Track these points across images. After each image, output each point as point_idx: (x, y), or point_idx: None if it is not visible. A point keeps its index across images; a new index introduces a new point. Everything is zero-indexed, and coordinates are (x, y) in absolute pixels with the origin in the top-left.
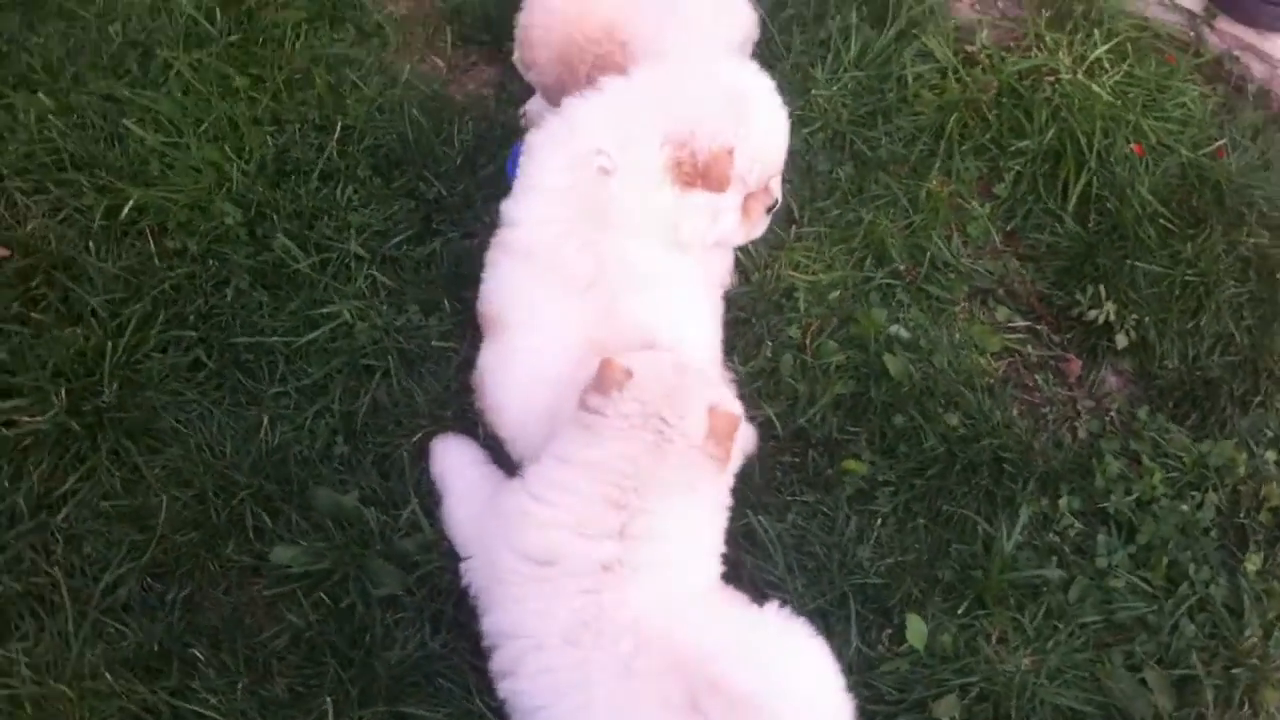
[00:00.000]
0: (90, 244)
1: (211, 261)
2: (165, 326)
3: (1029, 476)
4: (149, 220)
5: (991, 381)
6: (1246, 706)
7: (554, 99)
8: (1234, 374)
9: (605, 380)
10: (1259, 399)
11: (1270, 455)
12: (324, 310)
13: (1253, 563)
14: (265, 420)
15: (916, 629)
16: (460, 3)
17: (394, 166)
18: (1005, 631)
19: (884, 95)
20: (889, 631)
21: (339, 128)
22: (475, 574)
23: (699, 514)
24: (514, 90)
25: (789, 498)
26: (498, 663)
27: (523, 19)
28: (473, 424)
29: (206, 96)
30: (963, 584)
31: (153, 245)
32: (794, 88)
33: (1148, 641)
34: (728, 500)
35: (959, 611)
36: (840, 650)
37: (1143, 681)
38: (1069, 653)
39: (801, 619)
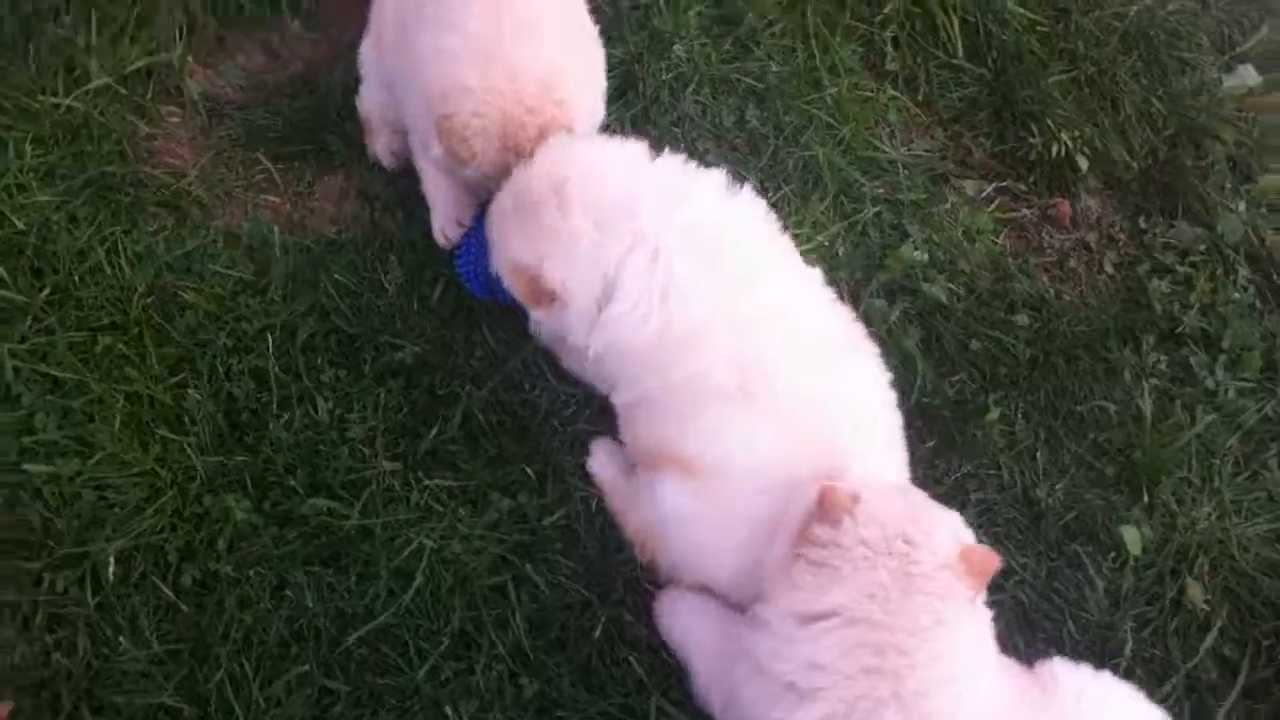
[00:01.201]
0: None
1: (250, 575)
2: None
3: (1108, 337)
4: (142, 567)
5: (1014, 260)
6: None
7: (487, 183)
8: (1175, 145)
9: (833, 508)
10: (1209, 160)
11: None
12: (405, 551)
13: None
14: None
15: (1131, 537)
16: (252, 121)
17: (349, 350)
18: (1180, 493)
19: (735, 22)
20: (1111, 554)
21: (262, 337)
22: None
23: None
24: (379, 191)
25: (954, 478)
26: None
27: (444, 112)
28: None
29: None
30: (1130, 472)
31: (170, 590)
32: (653, 50)
33: None
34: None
35: (1145, 501)
36: (1086, 591)
37: None
38: (1236, 479)
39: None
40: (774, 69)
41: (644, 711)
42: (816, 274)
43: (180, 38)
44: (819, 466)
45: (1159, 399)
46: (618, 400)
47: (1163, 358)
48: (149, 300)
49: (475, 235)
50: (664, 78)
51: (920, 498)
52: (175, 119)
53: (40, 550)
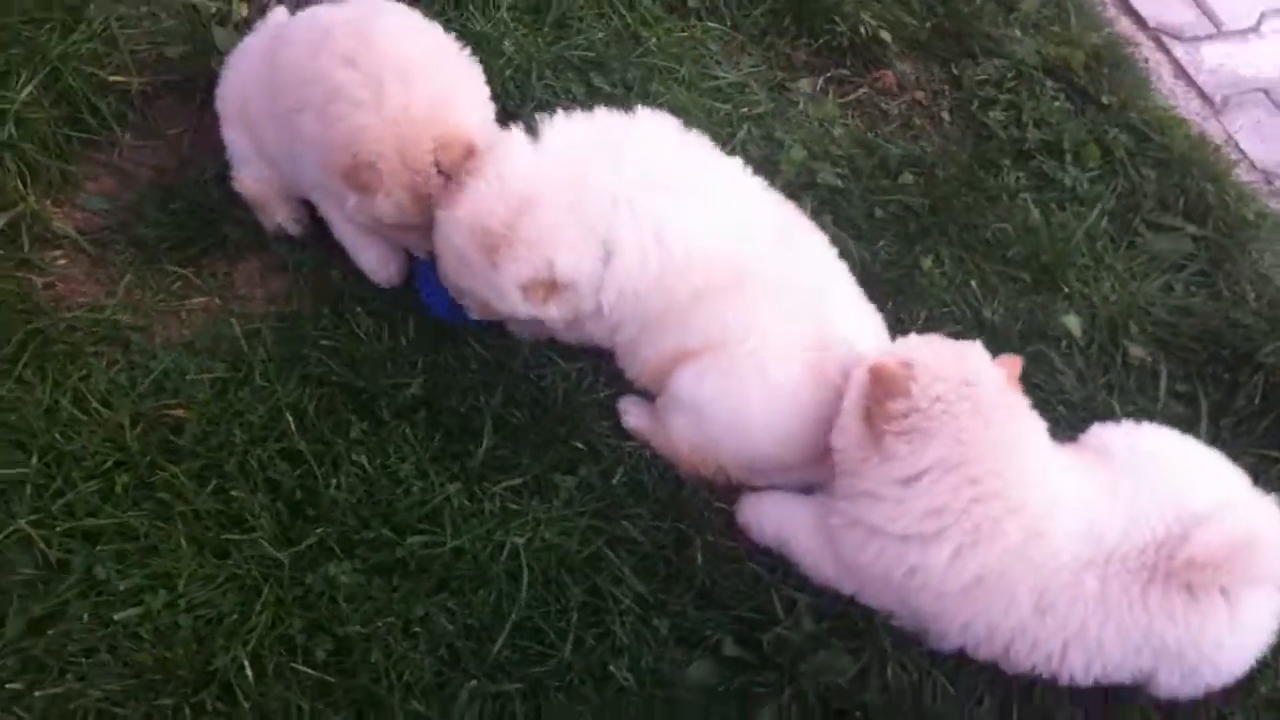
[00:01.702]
0: None
1: (378, 626)
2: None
3: (975, 171)
4: (273, 661)
5: (872, 134)
6: None
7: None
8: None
9: (896, 382)
10: (978, 2)
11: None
12: (503, 554)
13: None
14: None
15: (1073, 324)
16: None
17: (360, 404)
18: (1085, 278)
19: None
20: (1063, 343)
21: (274, 422)
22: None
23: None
24: (299, 259)
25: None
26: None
27: (347, 156)
28: None
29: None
30: (1043, 274)
31: (310, 669)
32: (485, 51)
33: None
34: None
35: (1065, 292)
36: (1059, 378)
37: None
38: (1119, 252)
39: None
40: (598, 36)
41: (770, 608)
42: (738, 162)
43: (26, 186)
44: (809, 330)
45: (1040, 208)
46: (622, 338)
47: (1021, 174)
48: (139, 431)
49: (424, 266)
50: (506, 74)
51: (942, 341)
52: (63, 261)
53: (167, 686)
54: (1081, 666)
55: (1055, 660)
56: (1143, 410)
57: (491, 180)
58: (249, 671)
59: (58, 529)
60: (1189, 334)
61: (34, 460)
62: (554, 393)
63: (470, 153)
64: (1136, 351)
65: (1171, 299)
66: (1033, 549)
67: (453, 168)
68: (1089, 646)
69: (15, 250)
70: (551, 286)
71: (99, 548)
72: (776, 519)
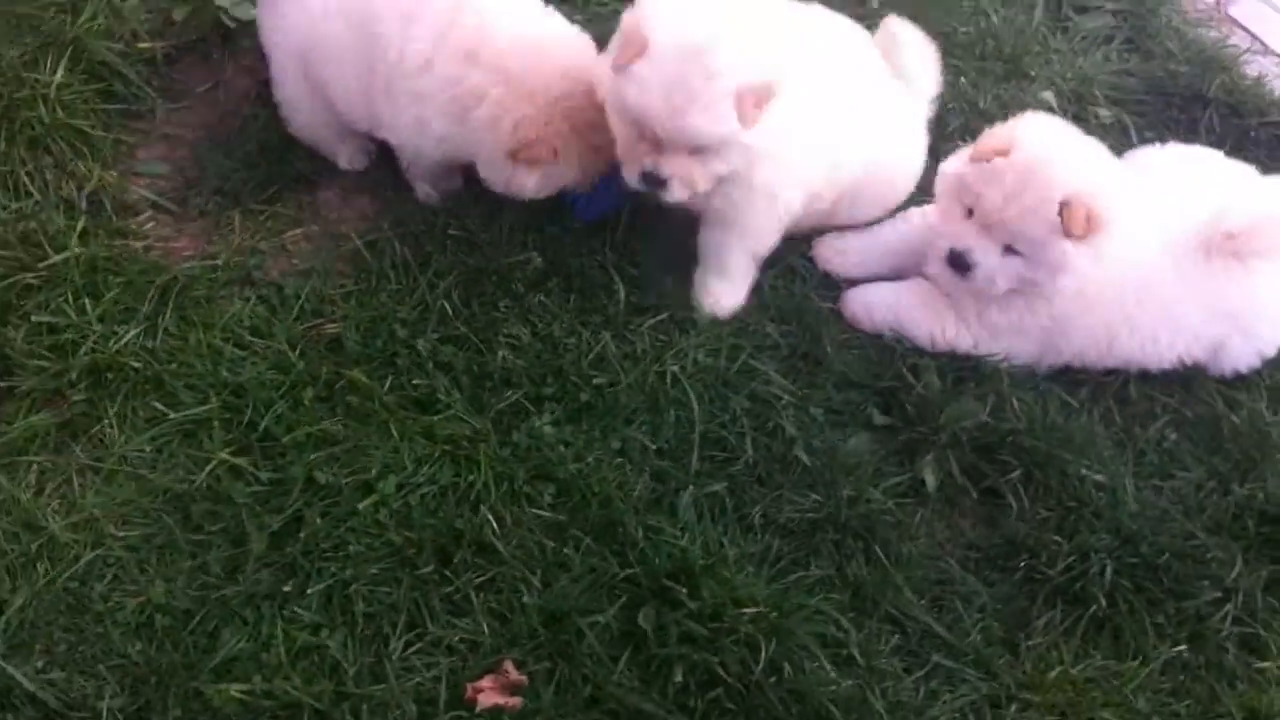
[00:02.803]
0: None
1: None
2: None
3: None
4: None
5: None
6: None
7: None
8: None
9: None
10: None
11: None
12: (667, 382)
13: None
14: None
15: (1049, 97)
16: (218, 189)
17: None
18: (1045, 55)
19: None
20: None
21: (424, 316)
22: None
23: None
24: (381, 179)
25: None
26: None
27: (515, 120)
28: None
29: None
30: (1010, 65)
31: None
32: None
33: None
34: None
35: (1031, 74)
36: None
37: None
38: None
39: None
40: None
41: (901, 377)
42: None
43: (90, 161)
44: None
45: (993, 8)
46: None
47: None
48: (300, 352)
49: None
50: None
51: None
52: (151, 224)
53: (421, 555)
54: (1168, 344)
55: (1148, 343)
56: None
57: None
58: (493, 523)
59: (263, 452)
60: (1140, 91)
61: (213, 399)
62: (658, 244)
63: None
64: (1104, 112)
65: (1113, 66)
66: (1128, 252)
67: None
68: (1174, 321)
69: (105, 221)
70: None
71: (310, 457)
72: (887, 303)
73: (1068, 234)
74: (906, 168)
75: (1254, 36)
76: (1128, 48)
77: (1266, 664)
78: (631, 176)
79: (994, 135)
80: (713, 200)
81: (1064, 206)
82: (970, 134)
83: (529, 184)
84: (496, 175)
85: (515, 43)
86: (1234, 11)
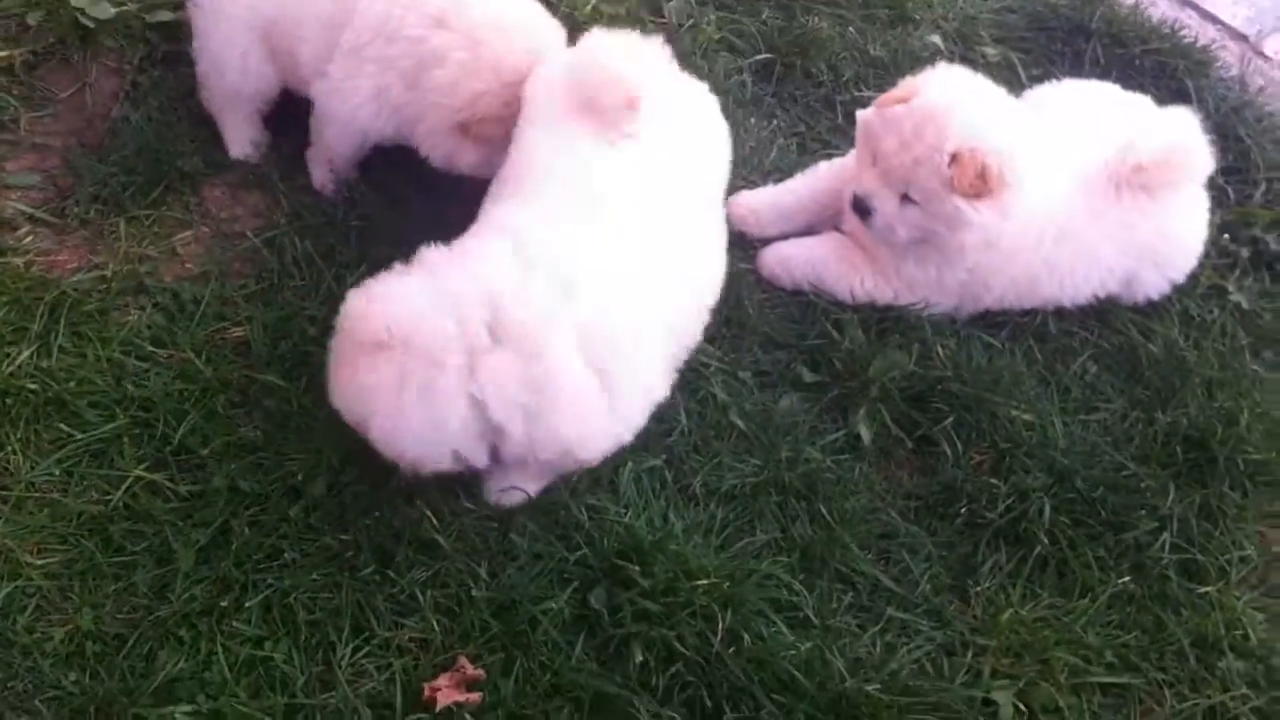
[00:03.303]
0: None
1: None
2: None
3: None
4: None
5: None
6: None
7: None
8: None
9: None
10: None
11: None
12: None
13: None
14: None
15: (936, 40)
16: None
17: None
18: None
19: None
20: None
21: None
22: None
23: None
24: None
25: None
26: None
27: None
28: None
29: None
30: (894, 8)
31: None
32: None
33: None
34: None
35: (917, 19)
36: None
37: None
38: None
39: None
40: None
41: (826, 333)
42: None
43: None
44: None
45: None
46: None
47: None
48: (206, 359)
49: None
50: None
51: None
52: (30, 239)
53: (358, 558)
54: (1084, 280)
55: (1067, 282)
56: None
57: None
58: (431, 518)
59: (180, 465)
60: (1022, 27)
61: (120, 415)
62: None
63: None
64: (990, 51)
65: (995, 4)
66: (1041, 198)
67: None
68: (1090, 257)
69: None
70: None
71: (231, 466)
72: (803, 258)
73: (956, 189)
74: None
75: None
76: None
77: (1207, 589)
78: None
79: (905, 83)
80: None
81: (954, 160)
82: (863, 82)
83: (470, 160)
84: (438, 146)
85: (489, 16)
86: None
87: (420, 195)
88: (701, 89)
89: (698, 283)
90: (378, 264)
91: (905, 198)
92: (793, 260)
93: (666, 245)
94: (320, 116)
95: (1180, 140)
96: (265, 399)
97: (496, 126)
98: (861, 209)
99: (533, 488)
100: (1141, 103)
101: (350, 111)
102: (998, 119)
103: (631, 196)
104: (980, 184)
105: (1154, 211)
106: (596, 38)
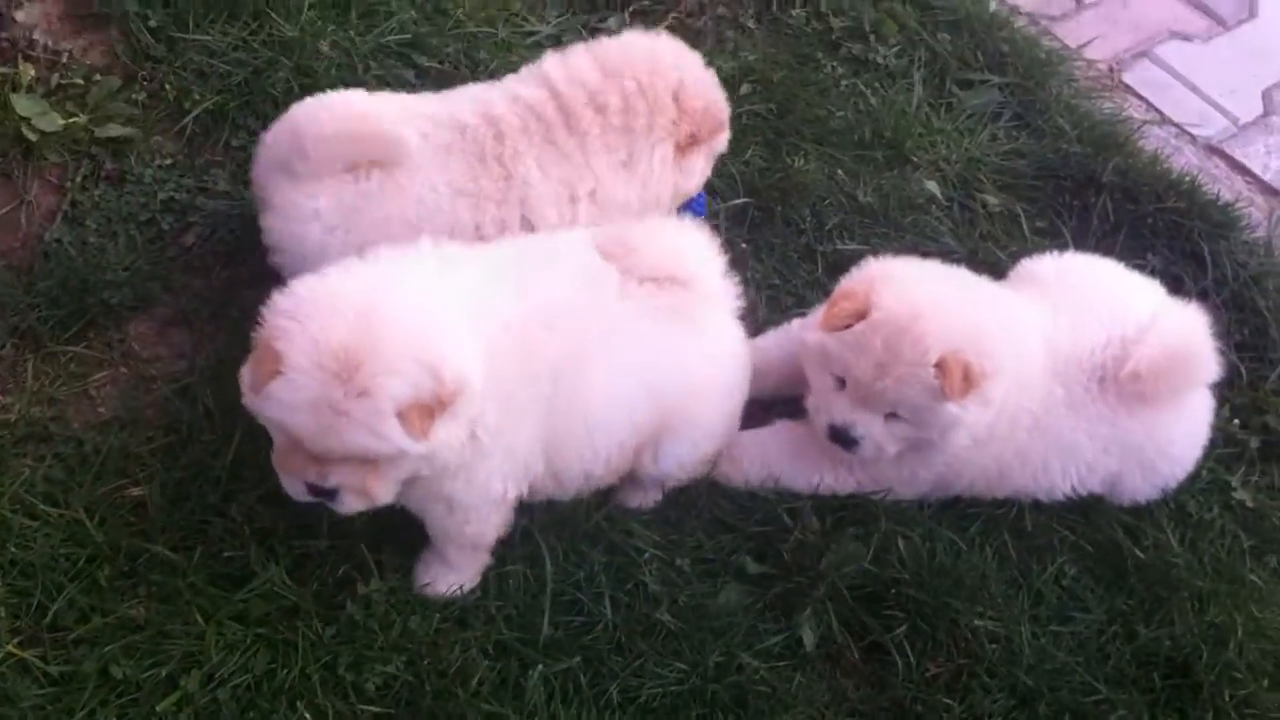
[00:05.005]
0: None
1: None
2: None
3: (804, 67)
4: None
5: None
6: None
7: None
8: None
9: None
10: None
11: None
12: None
13: None
14: None
15: (933, 187)
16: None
17: None
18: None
19: None
20: (929, 202)
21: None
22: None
23: None
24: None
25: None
26: None
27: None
28: None
29: None
30: (892, 150)
31: None
32: (297, 55)
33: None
34: None
35: (913, 161)
36: (941, 239)
37: None
38: (945, 113)
39: None
40: (409, 17)
41: (777, 519)
42: None
43: None
44: None
45: (870, 89)
46: None
47: (836, 63)
48: (99, 520)
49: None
50: (332, 73)
51: None
52: None
53: None
54: (1061, 474)
55: (1040, 474)
56: (1017, 250)
57: None
58: None
59: (54, 643)
60: (1030, 174)
61: None
62: None
63: None
64: (992, 200)
65: (1001, 146)
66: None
67: None
68: (1066, 451)
69: None
70: None
71: (105, 649)
72: (755, 456)
73: (948, 396)
74: None
75: (1150, 105)
76: (1016, 124)
77: None
78: None
79: (848, 295)
80: None
81: (939, 368)
82: (847, 232)
83: None
84: None
85: None
86: (1129, 79)
87: None
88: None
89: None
90: None
91: (891, 415)
92: (743, 457)
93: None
94: None
95: (1183, 349)
96: (153, 573)
97: None
98: (844, 439)
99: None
100: (1147, 290)
101: None
102: (965, 310)
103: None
104: (966, 385)
105: (1144, 415)
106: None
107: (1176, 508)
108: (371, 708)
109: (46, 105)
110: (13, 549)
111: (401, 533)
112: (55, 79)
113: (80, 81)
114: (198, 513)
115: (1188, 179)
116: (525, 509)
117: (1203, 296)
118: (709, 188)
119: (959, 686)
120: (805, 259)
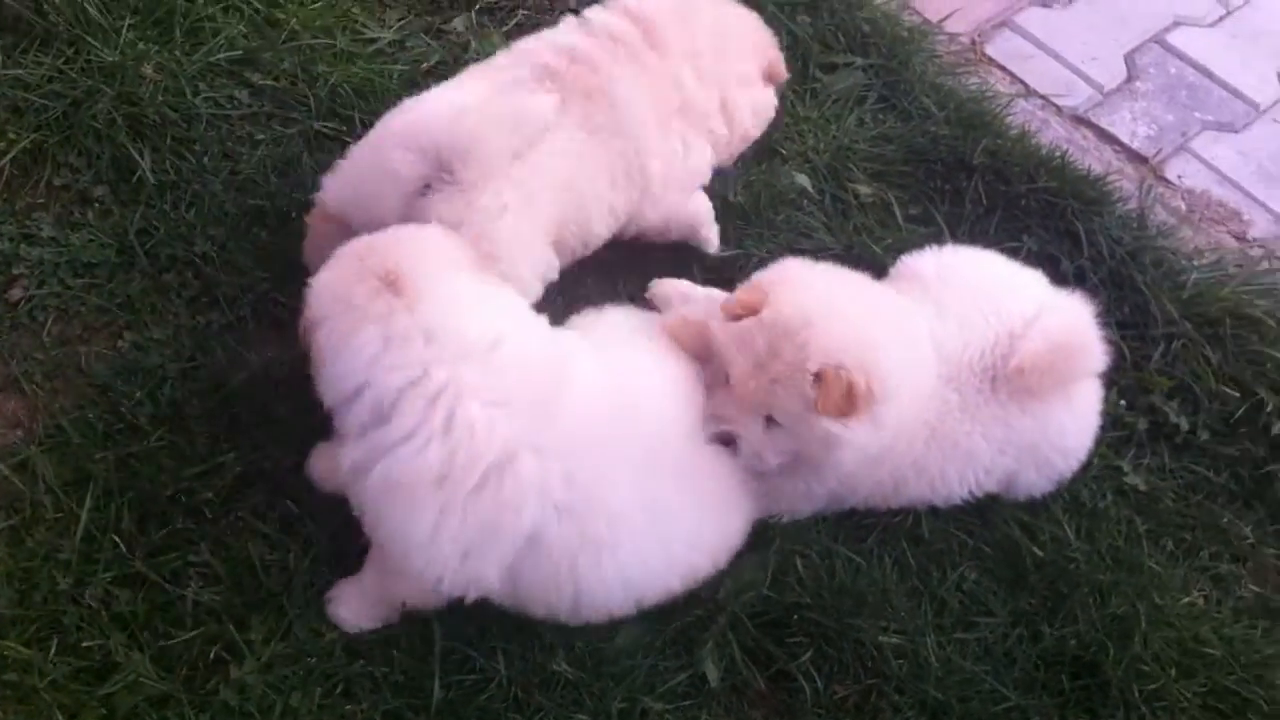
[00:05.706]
0: None
1: None
2: None
3: None
4: None
5: None
6: None
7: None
8: None
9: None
10: None
11: None
12: None
13: None
14: None
15: (802, 180)
16: None
17: None
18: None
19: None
20: (800, 197)
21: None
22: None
23: None
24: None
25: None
26: None
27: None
28: None
29: None
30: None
31: None
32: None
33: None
34: None
35: (783, 154)
36: (815, 235)
37: None
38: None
39: None
40: (238, 32)
41: None
42: None
43: None
44: None
45: None
46: None
47: None
48: None
49: None
50: (159, 99)
51: None
52: None
53: None
54: (958, 480)
55: (938, 482)
56: (892, 242)
57: None
58: None
59: None
60: (899, 160)
61: None
62: None
63: None
64: (864, 190)
65: (869, 131)
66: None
67: None
68: (963, 458)
69: None
70: None
71: None
72: None
73: (821, 410)
74: None
75: (1014, 77)
76: (882, 106)
77: None
78: None
79: (754, 287)
80: None
81: (818, 379)
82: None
83: None
84: None
85: None
86: (992, 50)
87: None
88: None
89: None
90: (145, 492)
91: (770, 420)
92: None
93: None
94: None
95: (1067, 341)
96: (6, 673)
97: None
98: (725, 438)
99: None
100: (1030, 282)
101: None
102: (862, 325)
103: None
104: (847, 404)
105: (1034, 408)
106: None
107: (1070, 498)
108: None
109: None
110: None
111: (267, 603)
112: None
113: None
114: (49, 601)
115: (1058, 155)
116: None
117: (1080, 276)
118: None
119: (868, 707)
120: (680, 269)
